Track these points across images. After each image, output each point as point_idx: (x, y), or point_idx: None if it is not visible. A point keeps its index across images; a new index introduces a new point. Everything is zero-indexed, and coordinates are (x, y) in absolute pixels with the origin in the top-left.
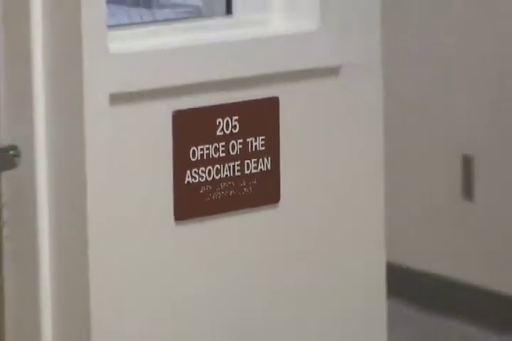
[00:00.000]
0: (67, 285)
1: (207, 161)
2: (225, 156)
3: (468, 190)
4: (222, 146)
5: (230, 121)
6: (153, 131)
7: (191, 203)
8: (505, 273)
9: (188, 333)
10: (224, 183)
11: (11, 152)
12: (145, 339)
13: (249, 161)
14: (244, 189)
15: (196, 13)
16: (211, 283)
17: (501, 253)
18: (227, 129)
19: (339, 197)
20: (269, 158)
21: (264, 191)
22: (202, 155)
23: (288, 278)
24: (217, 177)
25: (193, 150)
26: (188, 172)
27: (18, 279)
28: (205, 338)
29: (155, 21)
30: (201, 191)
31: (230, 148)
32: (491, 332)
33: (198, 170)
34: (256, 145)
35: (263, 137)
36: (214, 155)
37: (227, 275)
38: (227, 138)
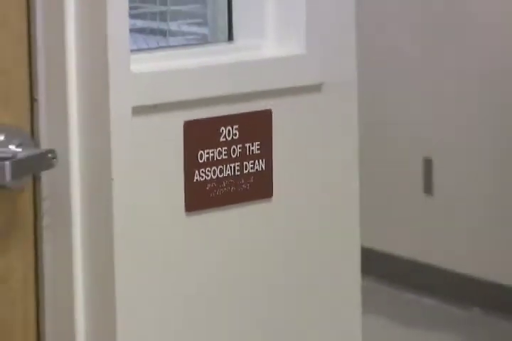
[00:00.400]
0: (96, 263)
1: (212, 163)
2: (227, 158)
3: (428, 186)
4: (225, 150)
5: (231, 129)
6: (168, 137)
7: (199, 198)
8: (459, 254)
9: (196, 309)
10: (226, 181)
11: (50, 155)
12: (163, 312)
13: (247, 163)
14: (243, 186)
15: (203, 40)
16: (215, 264)
17: (455, 237)
18: (228, 136)
19: (321, 193)
20: (264, 160)
21: (259, 188)
22: (208, 157)
23: (278, 260)
24: (220, 176)
25: (201, 154)
26: (197, 171)
27: (55, 262)
28: (209, 313)
29: (169, 47)
30: (207, 187)
31: (231, 151)
32: (449, 305)
33: (205, 170)
34: (253, 150)
35: (258, 142)
36: (218, 157)
37: (229, 258)
38: (228, 143)
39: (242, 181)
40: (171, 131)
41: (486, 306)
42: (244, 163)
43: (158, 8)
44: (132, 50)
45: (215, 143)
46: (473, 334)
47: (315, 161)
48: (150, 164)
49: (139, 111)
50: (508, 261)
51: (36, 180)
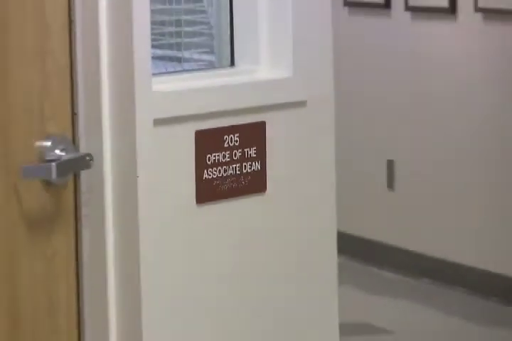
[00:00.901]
0: (125, 245)
1: (218, 164)
2: (230, 160)
3: (391, 183)
4: (228, 154)
5: (233, 137)
6: (182, 144)
7: (207, 192)
8: (413, 235)
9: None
10: (229, 179)
11: (87, 158)
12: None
13: (245, 164)
14: (242, 182)
15: (210, 65)
16: (220, 244)
17: (411, 222)
18: (231, 143)
19: (305, 187)
20: (259, 162)
21: (255, 184)
22: (214, 160)
23: (269, 242)
24: (224, 175)
25: (208, 157)
26: (205, 171)
27: (92, 244)
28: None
29: (183, 71)
30: (214, 184)
31: (233, 155)
32: (405, 277)
33: (212, 170)
34: (250, 154)
35: (255, 148)
36: (222, 160)
37: (231, 239)
38: (231, 148)
39: (242, 179)
40: (185, 138)
41: (433, 277)
42: (244, 164)
43: (174, 40)
44: (154, 74)
45: (220, 148)
46: (423, 299)
47: (300, 163)
48: (168, 165)
49: (159, 122)
50: (452, 240)
51: (76, 178)
